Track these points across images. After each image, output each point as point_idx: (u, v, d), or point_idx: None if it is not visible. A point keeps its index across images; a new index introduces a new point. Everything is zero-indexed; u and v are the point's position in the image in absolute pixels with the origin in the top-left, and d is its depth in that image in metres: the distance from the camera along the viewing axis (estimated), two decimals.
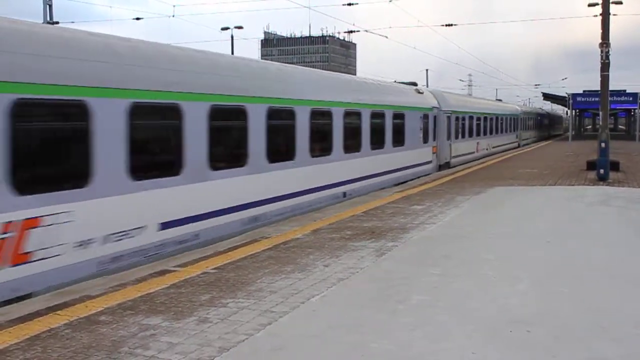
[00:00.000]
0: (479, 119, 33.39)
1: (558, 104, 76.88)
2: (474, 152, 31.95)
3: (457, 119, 28.40)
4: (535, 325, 5.98)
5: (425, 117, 23.64)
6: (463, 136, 29.87)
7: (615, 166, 22.49)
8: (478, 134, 33.31)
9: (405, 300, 6.84)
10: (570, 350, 5.37)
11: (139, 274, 8.21)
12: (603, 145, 20.49)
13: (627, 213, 13.33)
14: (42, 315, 6.39)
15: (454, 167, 26.75)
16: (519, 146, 46.18)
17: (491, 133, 36.96)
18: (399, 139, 20.48)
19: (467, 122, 30.51)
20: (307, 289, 7.33)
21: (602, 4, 21.16)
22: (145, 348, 5.47)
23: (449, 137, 27.09)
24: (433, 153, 24.65)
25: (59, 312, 6.52)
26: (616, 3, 24.97)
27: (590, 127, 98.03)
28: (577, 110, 64.38)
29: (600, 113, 22.03)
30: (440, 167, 25.66)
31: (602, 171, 19.99)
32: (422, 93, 24.41)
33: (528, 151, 39.92)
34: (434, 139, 24.79)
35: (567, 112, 79.81)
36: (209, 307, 6.65)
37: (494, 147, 37.22)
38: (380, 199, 15.84)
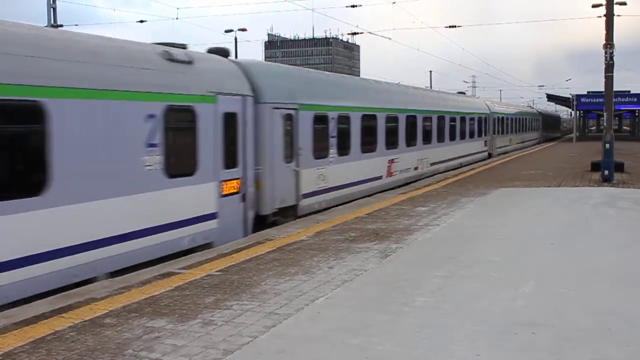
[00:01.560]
0: (394, 119, 20.16)
1: (562, 105, 76.81)
2: (379, 178, 18.94)
3: (320, 120, 15.25)
4: (540, 326, 5.97)
5: (187, 115, 10.62)
6: (343, 152, 16.42)
7: (619, 167, 22.47)
8: (393, 146, 20.04)
9: (410, 302, 6.83)
10: (576, 352, 5.35)
11: (143, 276, 8.22)
12: (607, 146, 20.48)
13: (632, 214, 13.30)
14: (46, 318, 6.41)
15: (314, 213, 14.30)
16: (490, 156, 34.42)
17: (429, 141, 23.87)
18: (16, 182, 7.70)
19: (355, 127, 17.15)
20: (311, 290, 7.33)
21: (606, 5, 21.14)
22: (150, 350, 5.47)
23: (290, 159, 13.79)
24: (224, 196, 11.50)
25: (63, 314, 6.54)
26: (620, 4, 24.89)
27: (594, 128, 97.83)
28: (581, 111, 64.33)
29: (605, 114, 22.01)
30: (268, 221, 12.90)
31: (606, 172, 19.96)
32: (189, 62, 10.85)
33: (532, 152, 39.85)
34: (235, 164, 11.87)
35: (570, 113, 79.72)
36: (214, 310, 6.65)
37: (434, 164, 24.52)
38: (384, 200, 15.82)
